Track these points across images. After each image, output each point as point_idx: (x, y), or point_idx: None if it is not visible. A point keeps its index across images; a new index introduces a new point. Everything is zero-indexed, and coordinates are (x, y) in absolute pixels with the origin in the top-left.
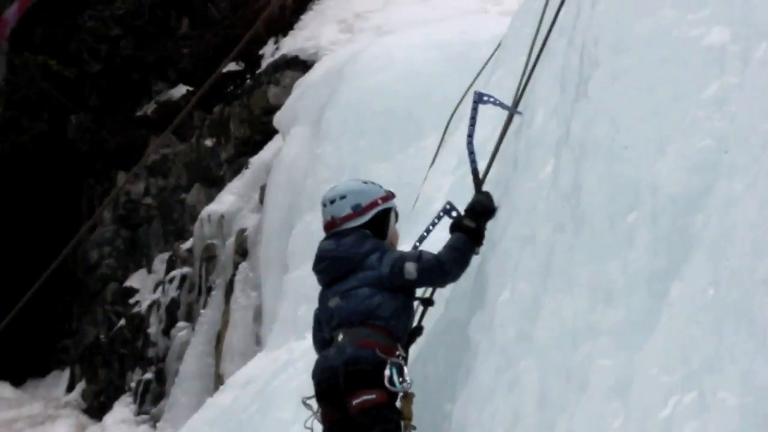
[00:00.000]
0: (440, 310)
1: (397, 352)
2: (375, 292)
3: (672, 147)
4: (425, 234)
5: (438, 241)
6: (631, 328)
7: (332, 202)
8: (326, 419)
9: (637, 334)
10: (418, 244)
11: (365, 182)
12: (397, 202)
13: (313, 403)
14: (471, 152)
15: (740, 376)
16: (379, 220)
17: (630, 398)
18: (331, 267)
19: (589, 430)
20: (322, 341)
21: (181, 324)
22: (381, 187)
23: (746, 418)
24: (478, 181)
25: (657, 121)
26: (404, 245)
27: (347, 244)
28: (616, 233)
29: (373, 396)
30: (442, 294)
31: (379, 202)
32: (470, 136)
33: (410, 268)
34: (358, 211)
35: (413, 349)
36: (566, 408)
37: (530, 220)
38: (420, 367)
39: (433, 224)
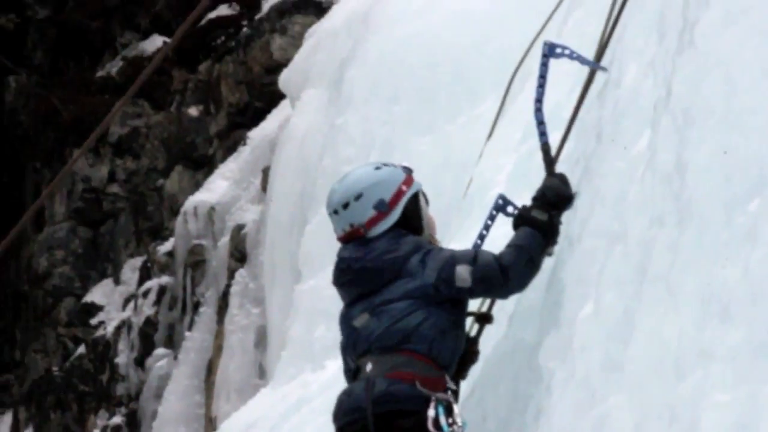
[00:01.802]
0: (501, 329)
1: (445, 386)
2: (416, 307)
3: None
4: (479, 242)
5: (498, 238)
6: (755, 352)
7: (345, 206)
8: None
9: (764, 360)
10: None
11: (377, 167)
12: (445, 188)
13: None
14: (540, 122)
15: None
16: (409, 212)
17: None
18: (359, 280)
19: None
20: (348, 373)
21: (159, 351)
22: (395, 166)
23: None
24: (549, 160)
25: None
26: (453, 246)
27: (379, 249)
28: (733, 227)
29: None
30: (503, 308)
31: (404, 188)
32: (539, 100)
33: (463, 273)
34: (384, 209)
35: (467, 382)
36: None
37: (619, 210)
38: (475, 404)
39: (487, 227)
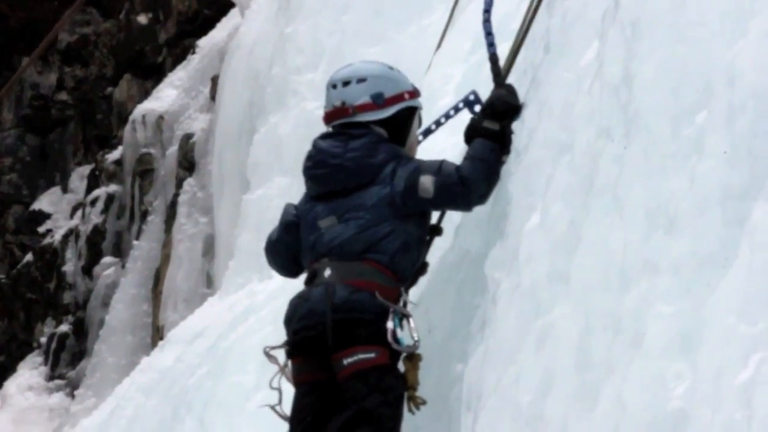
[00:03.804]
0: (448, 240)
1: (401, 298)
2: (384, 218)
3: (756, 22)
4: (433, 127)
5: (447, 149)
6: (699, 264)
7: (346, 83)
8: (301, 380)
9: (708, 272)
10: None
11: (391, 68)
12: None
13: (280, 355)
14: (489, 32)
15: None
16: (400, 121)
17: (698, 356)
18: (333, 177)
19: (645, 397)
20: (288, 261)
21: (107, 260)
22: (407, 78)
23: None
24: (498, 71)
25: None
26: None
27: (358, 149)
28: (680, 139)
29: (372, 355)
30: (450, 218)
31: (406, 96)
32: (487, 11)
33: (426, 182)
34: (379, 102)
35: (412, 293)
36: (614, 369)
37: (567, 121)
38: (421, 315)
39: (447, 116)
